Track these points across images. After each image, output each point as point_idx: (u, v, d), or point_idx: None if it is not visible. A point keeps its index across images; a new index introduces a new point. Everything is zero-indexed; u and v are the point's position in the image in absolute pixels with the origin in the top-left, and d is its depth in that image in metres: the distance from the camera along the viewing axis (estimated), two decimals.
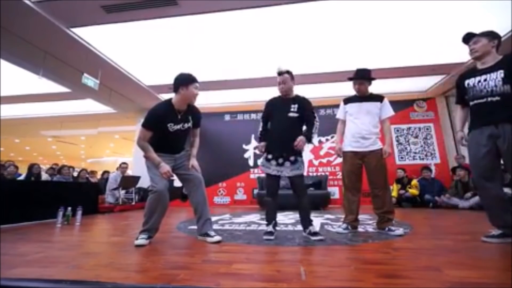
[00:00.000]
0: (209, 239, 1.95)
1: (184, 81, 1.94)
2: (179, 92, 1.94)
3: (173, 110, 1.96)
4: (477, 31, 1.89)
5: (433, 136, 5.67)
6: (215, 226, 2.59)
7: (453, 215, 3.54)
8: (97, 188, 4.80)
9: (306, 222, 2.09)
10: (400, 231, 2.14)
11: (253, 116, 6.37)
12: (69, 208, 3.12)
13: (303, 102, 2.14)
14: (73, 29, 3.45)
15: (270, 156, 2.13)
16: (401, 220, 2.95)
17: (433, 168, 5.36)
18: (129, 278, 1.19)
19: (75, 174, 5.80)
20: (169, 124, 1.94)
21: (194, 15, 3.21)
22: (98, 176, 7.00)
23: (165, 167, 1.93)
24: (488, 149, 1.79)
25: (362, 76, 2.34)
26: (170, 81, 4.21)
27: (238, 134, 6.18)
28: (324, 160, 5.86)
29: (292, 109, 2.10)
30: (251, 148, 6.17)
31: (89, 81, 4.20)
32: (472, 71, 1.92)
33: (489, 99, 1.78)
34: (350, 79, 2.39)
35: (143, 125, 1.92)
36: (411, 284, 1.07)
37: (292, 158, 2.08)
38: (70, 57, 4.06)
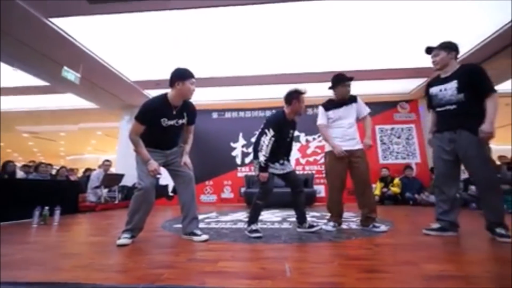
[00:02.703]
0: (196, 238, 1.93)
1: (180, 76, 1.90)
2: (175, 87, 1.90)
3: (168, 105, 1.92)
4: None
5: (414, 137, 5.90)
6: (201, 225, 2.56)
7: (431, 212, 3.70)
8: (78, 187, 4.61)
9: (304, 217, 2.23)
10: (384, 227, 2.23)
11: (241, 114, 6.35)
12: (46, 208, 2.98)
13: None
14: (52, 19, 3.28)
15: (272, 161, 2.16)
16: (383, 218, 3.05)
17: (414, 167, 5.58)
18: (110, 279, 1.16)
19: (54, 172, 5.55)
20: (163, 119, 1.89)
21: (182, 10, 3.15)
22: (79, 174, 6.73)
23: (153, 164, 1.88)
24: (448, 151, 1.98)
25: (347, 78, 2.39)
26: (157, 76, 4.11)
27: (225, 132, 6.15)
28: (311, 159, 5.96)
29: (290, 134, 2.28)
30: (239, 146, 6.15)
31: (70, 74, 4.02)
32: (436, 80, 2.09)
33: (448, 107, 1.96)
34: (339, 82, 2.39)
35: (136, 118, 1.87)
36: (390, 279, 1.12)
37: (286, 158, 2.28)
38: (49, 49, 3.86)
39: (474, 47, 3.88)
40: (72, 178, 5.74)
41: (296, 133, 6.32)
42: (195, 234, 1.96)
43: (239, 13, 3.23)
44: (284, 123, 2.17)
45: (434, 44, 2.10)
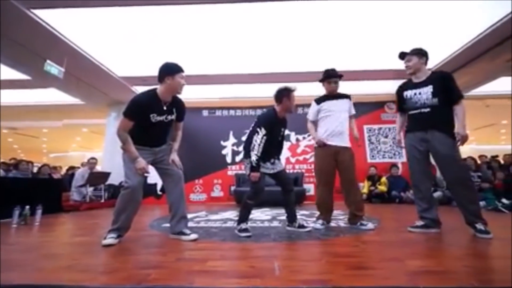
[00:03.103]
0: (184, 238, 1.91)
1: (170, 70, 1.86)
2: (164, 82, 1.86)
3: (158, 101, 1.88)
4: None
5: (401, 137, 6.05)
6: (190, 224, 2.53)
7: (415, 210, 3.82)
8: (61, 185, 4.46)
9: (294, 216, 2.26)
10: (370, 225, 2.29)
11: (232, 112, 6.32)
12: (27, 207, 2.87)
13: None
14: (35, 11, 3.14)
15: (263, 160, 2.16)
16: (370, 215, 3.12)
17: (400, 166, 5.74)
18: (95, 280, 1.13)
19: (35, 169, 5.34)
20: (152, 114, 1.85)
21: (172, 5, 3.09)
22: (63, 171, 6.51)
23: (142, 162, 1.84)
24: (421, 150, 2.11)
25: (338, 75, 2.45)
26: (144, 73, 4.03)
27: (216, 131, 6.10)
28: (301, 158, 6.01)
29: (281, 132, 2.29)
30: (229, 145, 6.12)
31: (53, 68, 3.86)
32: (409, 84, 2.21)
33: (422, 110, 2.08)
34: (325, 78, 2.45)
35: (125, 114, 1.82)
36: (376, 275, 1.15)
37: (277, 157, 2.29)
38: (31, 42, 3.69)
39: (455, 52, 4.02)
40: (56, 176, 5.54)
41: (286, 132, 6.35)
42: (184, 234, 1.94)
43: (230, 10, 3.20)
44: (276, 122, 2.17)
45: (423, 46, 2.18)
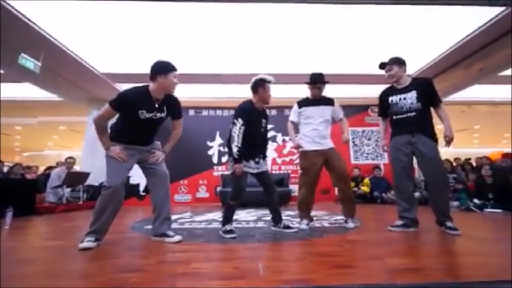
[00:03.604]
0: (167, 240, 1.87)
1: (162, 69, 1.83)
2: (156, 80, 1.82)
3: (149, 97, 1.83)
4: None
5: (383, 139, 6.28)
6: (174, 225, 2.49)
7: (396, 210, 3.97)
8: (35, 186, 4.22)
9: (279, 216, 2.29)
10: (352, 224, 2.39)
11: (219, 112, 6.28)
12: None
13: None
14: (9, 1, 2.96)
15: (248, 158, 2.15)
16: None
17: (382, 167, 5.95)
18: (70, 286, 1.08)
19: (6, 169, 5.02)
20: (141, 111, 1.79)
21: (159, 1, 3.02)
22: (41, 171, 6.17)
23: (115, 149, 1.79)
24: (405, 152, 2.21)
25: (324, 81, 2.50)
26: (128, 70, 3.92)
27: (202, 131, 6.04)
28: (287, 159, 6.08)
29: (263, 124, 2.28)
30: (216, 145, 6.08)
31: (28, 62, 3.66)
32: (393, 90, 2.33)
33: (408, 114, 2.19)
34: (311, 82, 2.50)
35: (111, 103, 1.75)
36: (358, 273, 1.19)
37: (262, 156, 2.28)
38: (4, 33, 3.48)
39: (434, 59, 4.24)
40: (29, 176, 5.23)
41: (273, 133, 6.38)
42: (167, 236, 1.90)
43: (218, 9, 3.19)
44: (253, 112, 2.16)
45: (402, 55, 2.30)
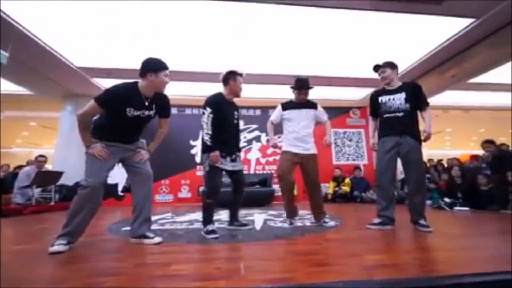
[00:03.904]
0: (147, 241, 1.81)
1: (153, 67, 1.78)
2: (147, 78, 1.76)
3: (138, 95, 1.77)
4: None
5: (363, 140, 6.52)
6: (154, 226, 2.42)
7: (374, 209, 4.14)
8: (0, 186, 3.93)
9: (236, 216, 2.39)
10: (332, 223, 2.48)
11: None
12: None
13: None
14: None
15: (224, 154, 2.17)
16: (334, 214, 3.30)
17: (362, 168, 6.16)
18: None
19: None
20: (129, 108, 1.73)
21: None
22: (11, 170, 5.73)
23: (97, 146, 1.72)
24: (391, 154, 2.31)
25: (308, 87, 2.57)
26: (108, 64, 3.78)
27: (185, 129, 5.92)
28: (271, 159, 6.12)
29: (235, 116, 2.31)
30: (199, 144, 5.98)
31: None
32: (384, 91, 2.46)
33: (397, 114, 2.32)
34: (298, 88, 2.55)
35: (97, 99, 1.66)
36: (337, 271, 1.22)
37: (238, 154, 2.31)
38: None
39: (411, 65, 4.46)
40: None
41: (257, 133, 6.38)
42: (147, 237, 1.84)
43: (202, 5, 3.14)
44: (222, 103, 2.19)
45: (382, 59, 2.42)
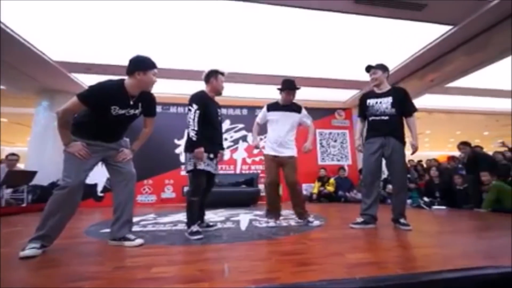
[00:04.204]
0: (128, 244, 1.75)
1: (142, 65, 1.73)
2: (134, 76, 1.71)
3: (124, 93, 1.71)
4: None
5: (348, 141, 6.69)
6: (136, 228, 2.35)
7: (358, 208, 4.25)
8: None
9: (203, 216, 2.39)
10: (317, 222, 2.52)
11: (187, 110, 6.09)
12: None
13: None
14: None
15: (212, 155, 2.18)
16: (319, 214, 3.36)
17: (346, 168, 6.31)
18: None
19: None
20: (114, 106, 1.67)
21: None
22: None
23: (77, 145, 1.64)
24: (377, 155, 2.38)
25: (295, 87, 2.61)
26: (88, 59, 3.67)
27: (169, 128, 5.79)
28: (257, 159, 6.12)
29: (219, 113, 2.34)
30: (183, 143, 5.88)
31: None
32: (372, 93, 2.53)
33: (382, 117, 2.39)
34: (286, 88, 2.60)
35: (80, 96, 1.58)
36: (320, 270, 1.24)
37: (221, 147, 2.36)
38: None
39: (393, 68, 4.62)
40: None
41: (243, 132, 6.38)
42: (128, 239, 1.78)
43: (188, 1, 3.08)
44: (207, 99, 2.22)
45: (366, 62, 2.48)
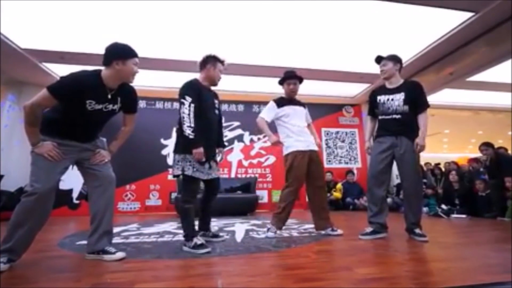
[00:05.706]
0: (107, 257, 1.75)
1: (120, 53, 1.72)
2: (112, 66, 1.71)
3: (102, 86, 1.71)
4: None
5: (357, 141, 6.72)
6: (116, 240, 2.35)
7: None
8: None
9: (209, 224, 2.39)
10: (340, 231, 2.57)
11: (176, 105, 6.06)
12: None
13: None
14: None
15: (204, 159, 2.08)
16: None
17: (355, 172, 6.35)
18: None
19: None
20: (89, 101, 1.66)
21: None
22: None
23: (47, 145, 1.63)
24: (386, 155, 2.41)
25: (296, 77, 2.67)
26: (61, 47, 3.66)
27: (155, 126, 5.78)
28: (255, 161, 6.13)
29: (216, 105, 2.29)
30: (172, 144, 5.86)
31: None
32: (383, 89, 2.55)
33: (394, 116, 2.41)
34: (286, 79, 2.67)
35: (51, 89, 1.57)
36: (325, 286, 1.25)
37: (221, 150, 2.37)
38: None
39: (407, 61, 4.67)
40: None
41: (239, 131, 6.41)
42: (107, 252, 1.78)
43: None
44: (202, 89, 2.16)
45: (378, 53, 2.50)
